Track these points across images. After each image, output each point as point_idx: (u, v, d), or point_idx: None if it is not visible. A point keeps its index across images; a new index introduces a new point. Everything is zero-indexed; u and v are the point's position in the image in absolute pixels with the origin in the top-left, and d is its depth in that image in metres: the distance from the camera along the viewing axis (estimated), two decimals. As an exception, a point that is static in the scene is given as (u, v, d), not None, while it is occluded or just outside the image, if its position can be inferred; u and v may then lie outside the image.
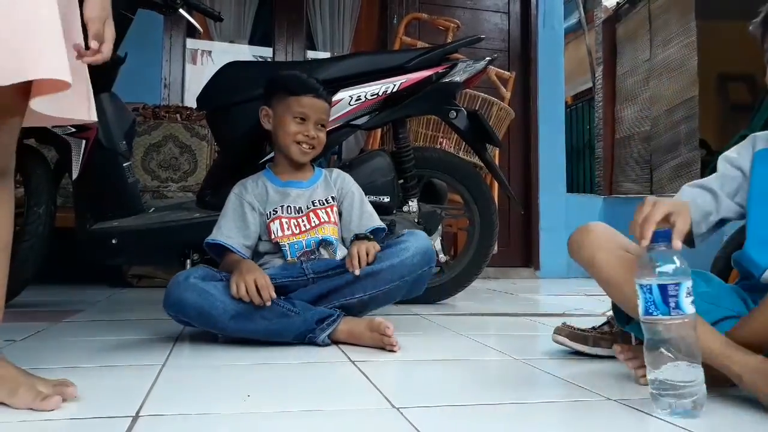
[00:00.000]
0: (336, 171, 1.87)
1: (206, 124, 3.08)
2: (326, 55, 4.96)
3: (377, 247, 1.60)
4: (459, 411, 0.97)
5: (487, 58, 2.45)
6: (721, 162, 1.24)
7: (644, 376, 1.12)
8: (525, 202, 4.54)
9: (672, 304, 0.91)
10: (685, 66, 4.37)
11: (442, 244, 2.55)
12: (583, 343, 1.40)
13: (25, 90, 0.94)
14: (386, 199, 2.26)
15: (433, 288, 2.52)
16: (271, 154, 2.05)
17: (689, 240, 1.22)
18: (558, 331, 1.47)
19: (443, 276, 2.54)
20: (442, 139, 3.22)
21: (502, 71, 3.71)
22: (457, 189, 2.54)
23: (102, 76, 1.95)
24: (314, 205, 1.73)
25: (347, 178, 1.84)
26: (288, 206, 1.71)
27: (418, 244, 1.61)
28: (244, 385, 1.12)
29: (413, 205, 2.38)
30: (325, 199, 1.76)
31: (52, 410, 0.90)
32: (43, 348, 1.46)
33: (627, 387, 1.11)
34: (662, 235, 0.96)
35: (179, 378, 1.18)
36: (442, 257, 2.55)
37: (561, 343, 1.45)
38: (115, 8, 2.12)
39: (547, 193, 4.57)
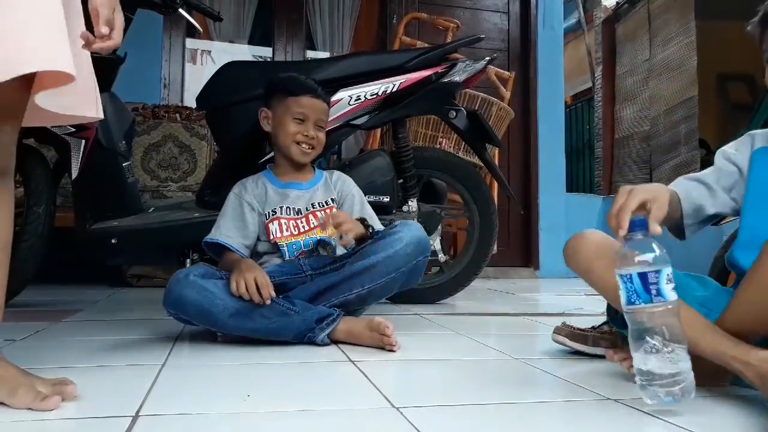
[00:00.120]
0: (336, 173, 1.87)
1: (206, 124, 3.09)
2: (326, 54, 4.96)
3: (359, 228, 1.58)
4: (459, 410, 0.97)
5: (487, 58, 2.45)
6: (719, 156, 1.24)
7: None
8: (524, 202, 4.54)
9: (653, 292, 0.91)
10: (685, 66, 4.37)
11: (441, 244, 2.55)
12: (583, 342, 1.41)
13: (25, 88, 0.93)
14: (386, 199, 2.26)
15: (432, 288, 2.53)
16: (271, 154, 2.05)
17: (680, 232, 1.22)
18: (558, 330, 1.47)
19: (443, 276, 2.54)
20: (441, 139, 3.22)
21: (502, 71, 3.71)
22: (457, 189, 2.54)
23: (102, 76, 1.95)
24: (314, 207, 1.74)
25: (348, 180, 1.85)
26: (287, 207, 1.72)
27: (412, 234, 1.60)
28: (243, 385, 1.12)
29: (413, 204, 2.38)
30: (325, 201, 1.76)
31: (52, 410, 0.90)
32: (43, 348, 1.46)
33: (626, 386, 1.11)
34: (639, 224, 0.96)
35: (179, 378, 1.18)
36: (442, 257, 2.55)
37: (561, 343, 1.45)
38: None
39: (546, 192, 4.57)
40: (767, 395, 0.90)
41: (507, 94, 3.61)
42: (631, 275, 0.93)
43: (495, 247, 2.61)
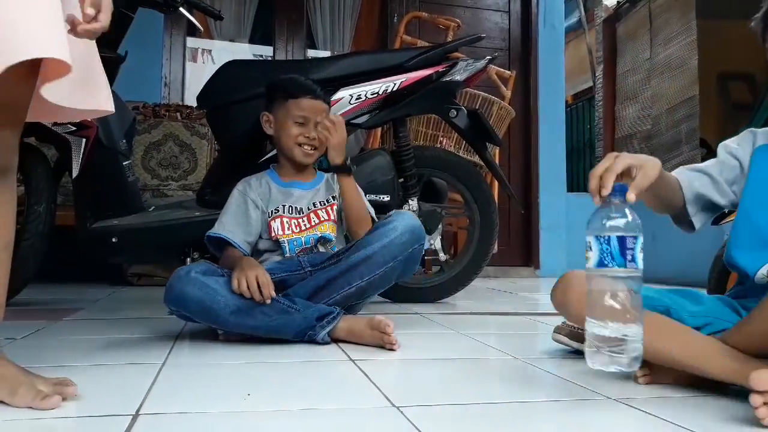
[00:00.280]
0: None
1: (206, 123, 3.08)
2: (326, 54, 4.96)
3: (341, 153, 1.71)
4: (459, 410, 0.97)
5: (488, 57, 2.45)
6: (721, 149, 1.23)
7: (643, 375, 1.12)
8: (525, 202, 4.54)
9: (629, 257, 0.92)
10: (686, 65, 4.37)
11: (442, 243, 2.55)
12: (583, 342, 1.40)
13: (27, 84, 0.92)
14: (386, 198, 2.26)
15: (433, 287, 2.53)
16: (272, 153, 2.05)
17: (687, 223, 1.22)
18: (558, 330, 1.46)
19: (443, 275, 2.54)
20: (442, 138, 3.22)
21: (503, 70, 3.70)
22: (457, 188, 2.54)
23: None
24: (315, 206, 1.76)
25: None
26: (290, 206, 1.74)
27: (406, 222, 1.61)
28: (244, 384, 1.12)
29: (413, 204, 2.38)
30: (326, 199, 1.78)
31: (52, 409, 0.91)
32: (44, 346, 1.46)
33: (627, 386, 1.11)
34: (618, 189, 0.95)
35: (179, 376, 1.18)
36: (443, 256, 2.55)
37: (561, 342, 1.45)
38: (116, 7, 2.13)
39: (547, 192, 4.57)
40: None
41: (508, 94, 3.60)
42: (609, 237, 0.92)
43: (495, 247, 2.61)
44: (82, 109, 1.01)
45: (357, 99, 2.21)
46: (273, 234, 1.69)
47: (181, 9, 2.26)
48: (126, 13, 2.10)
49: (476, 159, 3.02)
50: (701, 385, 1.06)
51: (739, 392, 1.01)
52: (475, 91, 3.20)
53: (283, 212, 1.72)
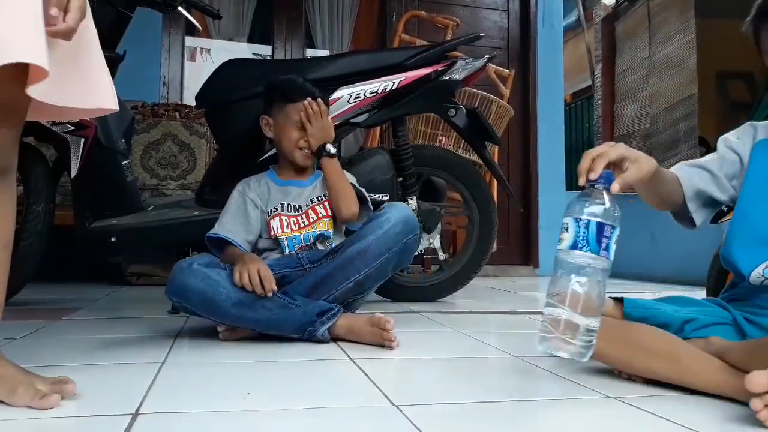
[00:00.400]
0: None
1: (205, 122, 3.08)
2: (325, 53, 4.96)
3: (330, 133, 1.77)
4: (458, 409, 0.97)
5: (487, 56, 2.45)
6: (721, 144, 1.22)
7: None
8: (524, 200, 4.54)
9: (603, 245, 0.92)
10: (685, 64, 4.36)
11: (441, 242, 2.55)
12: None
13: (22, 85, 0.91)
14: (385, 197, 2.26)
15: (432, 286, 2.53)
16: (271, 152, 2.05)
17: (687, 219, 1.21)
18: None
19: (443, 274, 2.55)
20: (441, 137, 3.22)
21: (502, 69, 3.70)
22: (457, 187, 2.54)
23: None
24: (312, 203, 1.77)
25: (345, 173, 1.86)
26: (288, 204, 1.75)
27: (398, 213, 1.63)
28: (243, 383, 1.12)
29: (412, 203, 2.38)
30: (323, 195, 1.79)
31: (51, 408, 0.90)
32: (43, 346, 1.46)
33: (627, 385, 1.11)
34: (605, 176, 0.95)
35: (179, 376, 1.18)
36: (442, 255, 2.55)
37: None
38: (115, 6, 2.13)
39: (546, 191, 4.57)
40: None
41: (506, 92, 3.60)
42: (588, 222, 0.92)
43: (495, 246, 2.61)
44: (82, 108, 1.01)
45: (356, 98, 2.21)
46: (272, 233, 1.70)
47: (180, 8, 2.26)
48: (124, 13, 2.09)
49: (475, 158, 3.02)
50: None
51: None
52: (474, 89, 3.20)
53: (282, 211, 1.73)
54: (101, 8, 1.95)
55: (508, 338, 1.73)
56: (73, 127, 2.01)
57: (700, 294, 1.52)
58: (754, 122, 1.22)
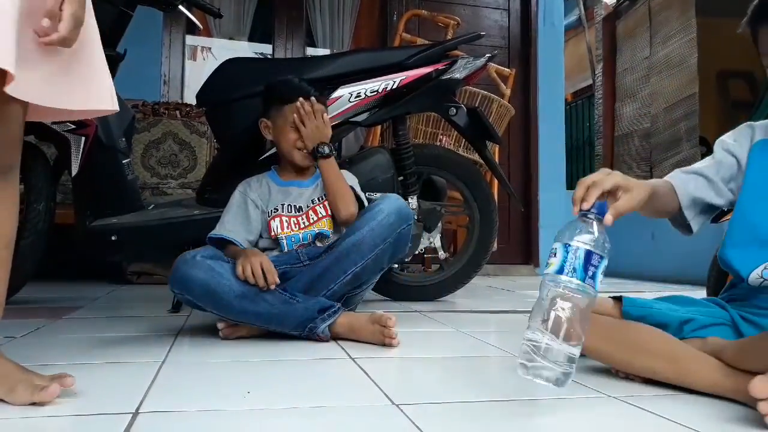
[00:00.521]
0: None
1: (206, 121, 3.08)
2: (326, 52, 4.96)
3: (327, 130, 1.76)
4: (458, 408, 0.97)
5: (487, 55, 2.45)
6: (717, 147, 1.22)
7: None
8: (525, 200, 4.54)
9: (590, 273, 0.92)
10: (685, 63, 4.36)
11: (441, 241, 2.55)
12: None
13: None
14: (386, 197, 2.26)
15: (433, 285, 2.53)
16: (272, 150, 2.05)
17: (684, 226, 1.21)
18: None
19: (443, 273, 2.55)
20: (441, 136, 3.21)
21: (502, 68, 3.70)
22: (457, 186, 2.54)
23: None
24: (313, 203, 1.77)
25: (345, 173, 1.86)
26: (289, 205, 1.75)
27: (391, 204, 1.64)
28: (243, 382, 1.12)
29: (413, 202, 2.38)
30: (324, 195, 1.79)
31: (52, 399, 0.91)
32: (43, 345, 1.46)
33: (628, 385, 1.11)
34: (599, 207, 0.95)
35: (179, 375, 1.18)
36: (442, 254, 2.55)
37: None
38: (115, 5, 2.13)
39: (546, 190, 4.57)
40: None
41: (507, 92, 3.60)
42: (577, 248, 0.92)
43: (495, 245, 2.61)
44: (82, 108, 1.01)
45: (356, 97, 2.21)
46: (272, 232, 1.71)
47: (181, 7, 2.26)
48: (125, 11, 2.09)
49: (476, 157, 3.02)
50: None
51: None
52: (475, 89, 3.20)
53: (282, 211, 1.73)
54: (102, 7, 1.94)
55: (509, 337, 1.73)
56: (73, 126, 2.01)
57: (700, 294, 1.52)
58: (752, 123, 1.22)
